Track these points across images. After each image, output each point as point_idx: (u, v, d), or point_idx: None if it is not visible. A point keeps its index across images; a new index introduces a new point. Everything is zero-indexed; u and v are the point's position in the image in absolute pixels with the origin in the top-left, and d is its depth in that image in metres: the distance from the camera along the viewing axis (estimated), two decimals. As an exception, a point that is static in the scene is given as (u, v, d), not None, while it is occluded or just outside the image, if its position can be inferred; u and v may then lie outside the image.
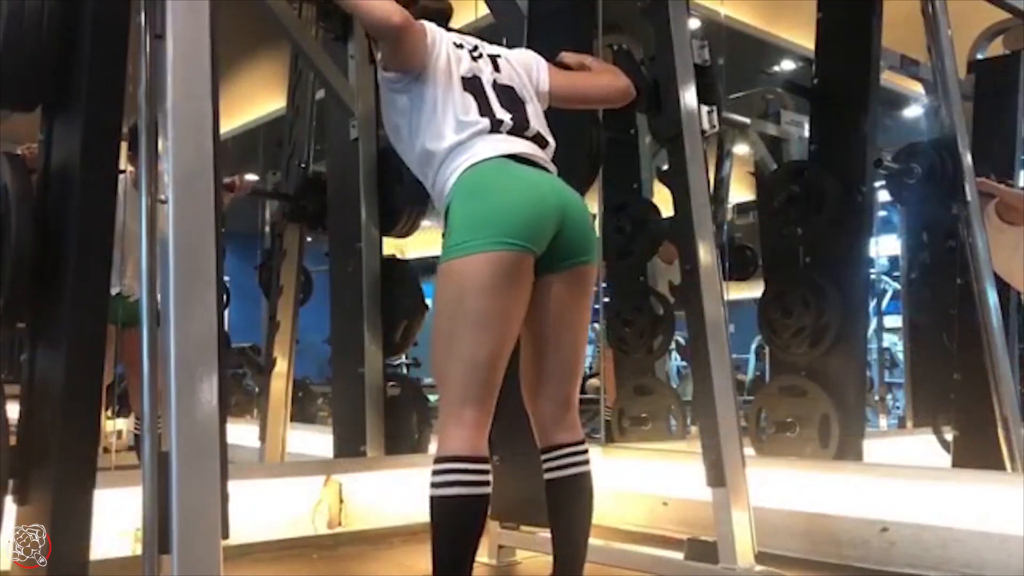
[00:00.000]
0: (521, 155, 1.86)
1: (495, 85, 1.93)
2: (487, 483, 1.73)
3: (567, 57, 2.15)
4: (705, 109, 2.71)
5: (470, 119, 1.86)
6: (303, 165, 4.70)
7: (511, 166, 1.83)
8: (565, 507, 1.92)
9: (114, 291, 3.13)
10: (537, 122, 1.96)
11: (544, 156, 1.92)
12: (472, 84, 1.90)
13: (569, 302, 1.88)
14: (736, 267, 4.82)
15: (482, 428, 1.76)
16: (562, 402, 1.92)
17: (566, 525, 1.93)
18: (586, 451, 1.93)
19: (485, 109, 1.88)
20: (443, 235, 1.81)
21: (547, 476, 1.92)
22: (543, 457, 1.93)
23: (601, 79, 2.16)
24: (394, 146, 2.00)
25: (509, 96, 1.94)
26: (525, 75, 2.01)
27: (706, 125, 2.70)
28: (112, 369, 3.48)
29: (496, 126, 1.87)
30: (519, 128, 1.90)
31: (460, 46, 1.96)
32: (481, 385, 1.75)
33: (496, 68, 1.97)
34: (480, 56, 1.97)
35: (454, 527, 1.73)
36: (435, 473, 1.73)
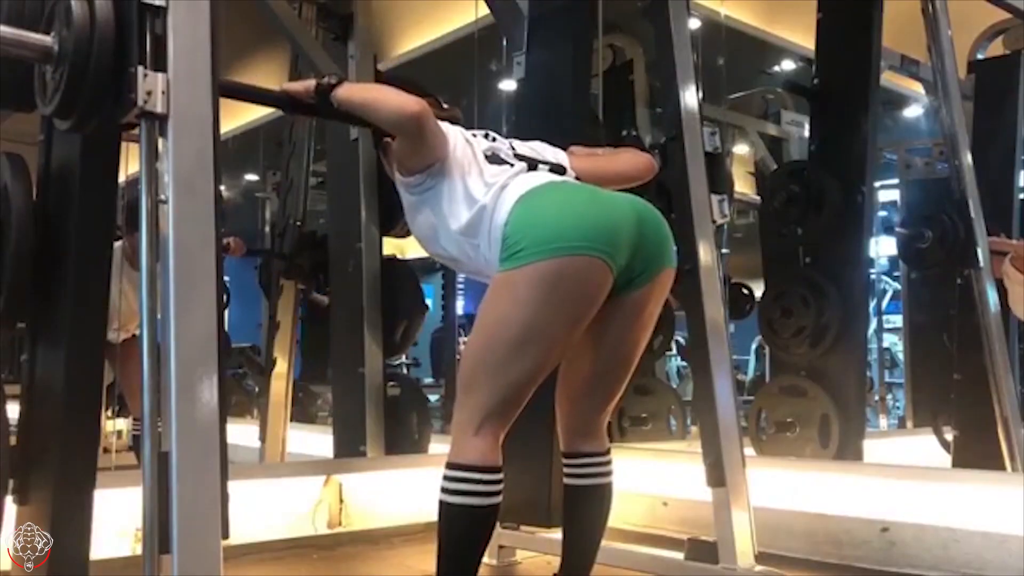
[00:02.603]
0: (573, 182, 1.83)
1: (516, 155, 1.88)
2: (499, 493, 1.70)
3: (577, 151, 2.07)
4: (716, 199, 2.64)
5: (501, 176, 1.79)
6: (298, 223, 4.69)
7: (573, 182, 1.79)
8: (582, 514, 1.92)
9: None
10: (572, 175, 1.91)
11: None
12: (494, 158, 1.85)
13: (641, 320, 1.82)
14: (732, 306, 4.76)
15: (499, 438, 1.71)
16: (597, 408, 1.90)
17: (580, 531, 1.93)
18: (610, 461, 1.92)
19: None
20: (503, 247, 1.70)
21: (567, 481, 1.91)
22: (565, 461, 1.91)
23: (621, 158, 2.08)
24: (430, 250, 1.90)
25: (534, 164, 1.89)
26: (543, 151, 1.96)
27: (717, 215, 2.64)
28: (112, 370, 3.48)
29: (533, 167, 1.82)
30: (558, 172, 1.86)
31: (474, 135, 1.92)
32: (507, 404, 1.69)
33: (512, 147, 1.92)
34: (495, 139, 1.92)
35: (463, 536, 1.72)
36: (447, 479, 1.69)
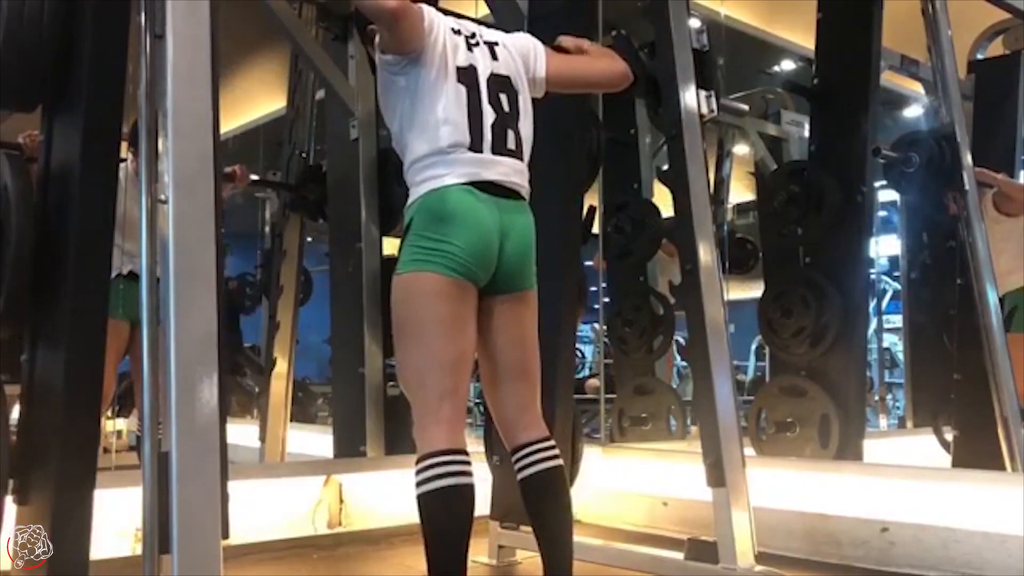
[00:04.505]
0: (491, 182, 1.88)
1: (490, 77, 1.93)
2: (470, 474, 1.76)
3: (565, 41, 2.16)
4: (703, 94, 2.72)
5: (456, 119, 1.87)
6: (304, 155, 4.72)
7: (470, 201, 1.85)
8: (541, 504, 1.92)
9: (125, 270, 3.12)
10: (523, 122, 1.97)
11: (515, 177, 1.92)
12: (467, 75, 1.91)
13: (513, 315, 1.94)
14: (736, 261, 4.83)
15: (459, 424, 1.80)
16: (519, 402, 1.95)
17: (546, 522, 1.93)
18: (553, 446, 1.94)
19: (474, 111, 1.89)
20: (400, 241, 1.88)
21: (519, 477, 1.92)
22: (513, 459, 1.94)
23: (599, 63, 2.16)
24: (384, 119, 2.01)
25: (503, 87, 1.94)
26: (522, 62, 2.01)
27: (704, 109, 2.71)
28: (114, 370, 3.46)
29: (477, 142, 1.88)
30: (499, 142, 1.90)
31: (458, 32, 1.96)
32: (453, 383, 1.80)
33: (494, 56, 1.97)
34: (477, 44, 1.97)
35: (443, 519, 1.74)
36: (419, 472, 1.75)
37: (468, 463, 1.76)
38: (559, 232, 2.85)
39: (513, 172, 1.92)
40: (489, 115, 1.90)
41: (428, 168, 1.87)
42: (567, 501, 1.95)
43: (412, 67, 1.88)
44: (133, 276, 3.15)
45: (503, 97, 1.94)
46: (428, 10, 1.91)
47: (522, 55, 2.03)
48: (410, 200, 1.90)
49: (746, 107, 4.69)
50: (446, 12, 2.02)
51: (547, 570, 1.90)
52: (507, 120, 1.93)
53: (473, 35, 1.99)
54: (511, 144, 1.92)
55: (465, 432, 1.84)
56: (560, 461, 1.94)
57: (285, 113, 4.99)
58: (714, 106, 2.74)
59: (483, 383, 2.00)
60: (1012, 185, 3.83)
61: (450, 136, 1.86)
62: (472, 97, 1.90)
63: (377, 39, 1.92)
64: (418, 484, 1.74)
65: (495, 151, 1.89)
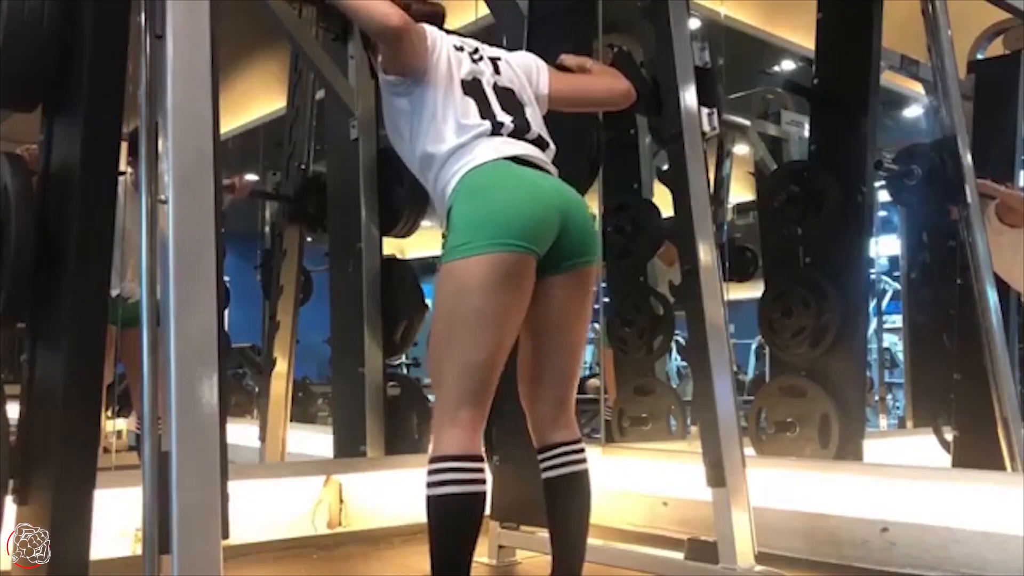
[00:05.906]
0: (523, 157, 1.86)
1: (495, 88, 1.93)
2: (483, 481, 1.75)
3: (567, 59, 2.15)
4: (705, 111, 2.71)
5: (471, 122, 1.86)
6: (303, 166, 4.71)
7: (513, 168, 1.83)
8: (563, 506, 1.93)
9: (114, 292, 3.12)
10: (537, 125, 1.96)
11: (545, 158, 1.92)
12: (472, 87, 1.90)
13: (570, 303, 1.88)
14: (736, 268, 4.82)
15: (477, 428, 1.77)
16: (559, 402, 1.93)
17: (564, 524, 1.93)
18: (582, 450, 1.94)
19: (486, 111, 1.88)
20: (443, 236, 1.82)
21: (544, 475, 1.92)
22: (540, 456, 1.94)
23: (601, 82, 2.15)
24: (396, 149, 2.00)
25: (509, 99, 1.94)
26: (525, 78, 2.01)
27: (706, 127, 2.71)
28: (112, 369, 3.47)
29: (497, 128, 1.86)
30: (520, 131, 1.89)
31: (460, 48, 1.96)
32: (478, 386, 1.76)
33: (496, 71, 1.97)
34: (480, 59, 1.97)
35: (452, 525, 1.74)
36: (431, 473, 1.73)
37: (481, 470, 1.74)
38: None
39: (543, 156, 1.91)
40: (504, 116, 1.89)
41: (456, 160, 1.83)
42: (589, 505, 1.94)
43: (416, 87, 1.87)
44: (119, 297, 3.16)
45: (512, 107, 1.93)
46: (430, 29, 1.90)
47: (525, 71, 2.02)
48: (447, 195, 1.84)
49: (748, 122, 4.69)
50: (448, 31, 2.01)
51: (555, 570, 1.91)
52: (523, 125, 1.92)
53: (476, 50, 1.99)
54: (532, 138, 1.91)
55: (481, 434, 1.80)
56: (587, 466, 1.94)
57: (285, 113, 4.99)
58: (715, 123, 2.74)
59: (521, 371, 1.94)
60: (1014, 196, 3.82)
61: (468, 132, 1.84)
62: (482, 105, 1.89)
63: (379, 59, 1.91)
64: (428, 485, 1.73)
65: (514, 138, 1.88)
